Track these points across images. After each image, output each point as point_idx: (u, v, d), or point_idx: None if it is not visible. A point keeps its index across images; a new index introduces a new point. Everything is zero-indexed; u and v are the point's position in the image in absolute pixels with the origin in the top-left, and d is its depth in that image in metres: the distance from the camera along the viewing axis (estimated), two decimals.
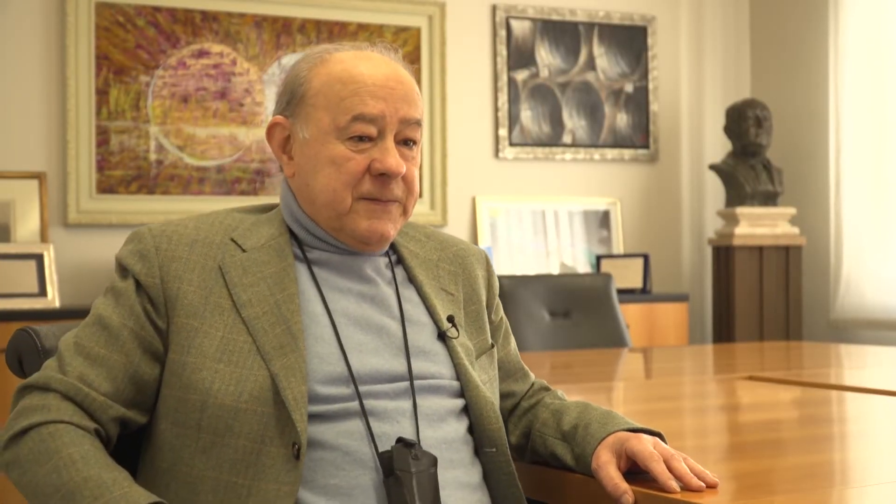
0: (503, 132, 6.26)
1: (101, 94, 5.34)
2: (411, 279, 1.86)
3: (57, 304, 4.97)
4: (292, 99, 1.80)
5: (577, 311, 4.42)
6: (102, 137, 5.33)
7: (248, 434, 1.59)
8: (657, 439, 1.68)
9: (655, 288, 6.47)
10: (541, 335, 4.28)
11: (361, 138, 1.73)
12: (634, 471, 1.66)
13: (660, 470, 1.60)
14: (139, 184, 5.42)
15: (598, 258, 6.29)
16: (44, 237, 5.18)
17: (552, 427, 1.83)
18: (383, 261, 1.84)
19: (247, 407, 1.60)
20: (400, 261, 1.88)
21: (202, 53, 5.55)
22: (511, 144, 6.29)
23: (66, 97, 5.26)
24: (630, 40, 6.61)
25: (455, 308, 1.86)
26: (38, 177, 5.22)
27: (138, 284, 1.70)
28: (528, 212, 6.30)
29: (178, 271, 1.70)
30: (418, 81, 5.99)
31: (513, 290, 4.31)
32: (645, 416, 2.41)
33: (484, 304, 1.93)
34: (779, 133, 6.43)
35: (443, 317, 1.82)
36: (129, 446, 1.75)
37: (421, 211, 6.01)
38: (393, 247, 1.88)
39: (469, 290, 1.92)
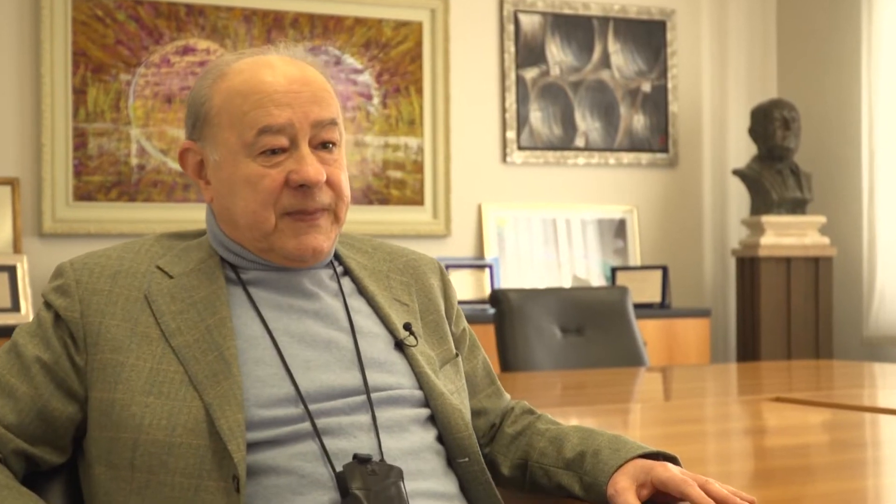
0: (511, 135, 6.27)
1: (79, 93, 5.35)
2: (361, 291, 1.86)
3: (31, 319, 4.96)
4: (197, 121, 1.79)
5: (590, 327, 4.42)
6: (80, 140, 5.34)
7: (184, 470, 1.59)
8: (683, 469, 1.69)
9: (675, 302, 6.47)
10: (552, 353, 4.28)
11: (274, 151, 1.72)
12: (655, 502, 1.66)
13: (697, 494, 1.60)
14: (119, 190, 5.42)
15: (614, 270, 6.29)
16: (16, 247, 5.19)
17: (552, 456, 1.83)
18: (326, 273, 1.84)
19: (181, 441, 1.60)
20: (347, 272, 1.88)
21: (187, 50, 5.56)
22: (520, 148, 6.30)
23: (40, 97, 5.27)
24: (648, 36, 6.62)
25: (411, 318, 1.87)
26: (11, 183, 5.23)
27: (58, 317, 1.70)
28: (538, 220, 6.31)
29: (99, 305, 1.70)
30: (420, 80, 6.02)
31: (522, 304, 4.31)
32: (664, 441, 2.41)
33: (443, 314, 1.93)
34: (807, 135, 6.44)
35: (398, 325, 1.82)
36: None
37: (423, 220, 6.02)
38: (338, 258, 1.89)
39: (424, 300, 1.92)
